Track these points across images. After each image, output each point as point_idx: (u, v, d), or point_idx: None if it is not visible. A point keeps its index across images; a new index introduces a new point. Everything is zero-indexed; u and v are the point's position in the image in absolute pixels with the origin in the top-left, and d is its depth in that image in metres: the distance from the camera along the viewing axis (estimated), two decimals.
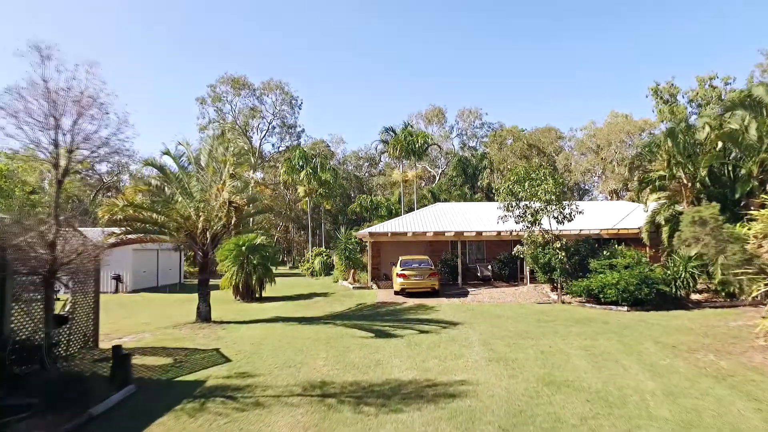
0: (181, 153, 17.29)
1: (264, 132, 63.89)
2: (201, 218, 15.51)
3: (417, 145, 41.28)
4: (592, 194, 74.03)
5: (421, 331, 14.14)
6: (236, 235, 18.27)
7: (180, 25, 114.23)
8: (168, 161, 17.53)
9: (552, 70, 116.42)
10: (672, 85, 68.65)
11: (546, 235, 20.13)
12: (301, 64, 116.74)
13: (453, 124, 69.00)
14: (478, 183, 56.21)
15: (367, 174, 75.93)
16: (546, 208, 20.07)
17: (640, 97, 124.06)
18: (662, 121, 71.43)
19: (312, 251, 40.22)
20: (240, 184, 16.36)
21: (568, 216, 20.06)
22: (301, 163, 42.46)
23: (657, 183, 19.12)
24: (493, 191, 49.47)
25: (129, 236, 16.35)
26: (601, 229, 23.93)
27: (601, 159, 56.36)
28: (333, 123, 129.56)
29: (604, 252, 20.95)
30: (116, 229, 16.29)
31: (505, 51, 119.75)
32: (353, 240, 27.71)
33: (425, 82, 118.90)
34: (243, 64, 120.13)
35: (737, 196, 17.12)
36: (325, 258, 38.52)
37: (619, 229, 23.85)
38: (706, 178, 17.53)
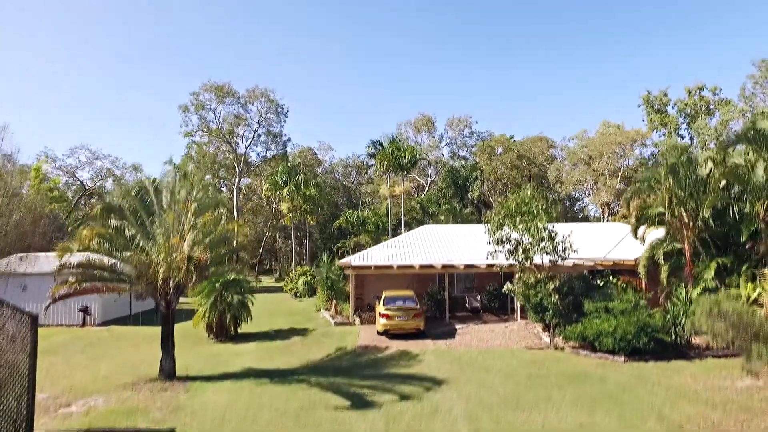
0: (143, 191, 15.93)
1: (249, 140, 62.20)
2: (162, 268, 14.11)
3: (405, 160, 40.01)
4: (583, 202, 73.17)
5: (402, 396, 12.87)
6: (203, 280, 16.92)
7: (165, 30, 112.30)
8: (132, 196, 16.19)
9: (544, 79, 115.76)
10: (664, 94, 68.06)
11: (538, 274, 18.95)
12: (289, 71, 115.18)
13: (442, 132, 67.82)
14: (469, 195, 55.03)
15: (355, 182, 74.53)
16: (538, 245, 18.92)
17: (632, 106, 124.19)
18: (653, 130, 70.98)
19: (295, 270, 38.81)
20: (207, 228, 14.91)
21: (561, 254, 18.95)
22: (284, 179, 40.95)
23: (656, 219, 18.03)
24: (483, 213, 48.53)
25: (84, 285, 14.95)
26: (595, 261, 22.83)
27: (593, 170, 55.43)
28: (321, 130, 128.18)
29: (599, 282, 19.96)
30: (70, 276, 14.90)
31: (495, 58, 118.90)
32: (335, 268, 26.38)
33: (415, 90, 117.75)
34: (230, 72, 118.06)
35: (743, 239, 16.06)
36: (309, 278, 37.17)
37: (614, 261, 22.77)
38: (710, 220, 16.44)
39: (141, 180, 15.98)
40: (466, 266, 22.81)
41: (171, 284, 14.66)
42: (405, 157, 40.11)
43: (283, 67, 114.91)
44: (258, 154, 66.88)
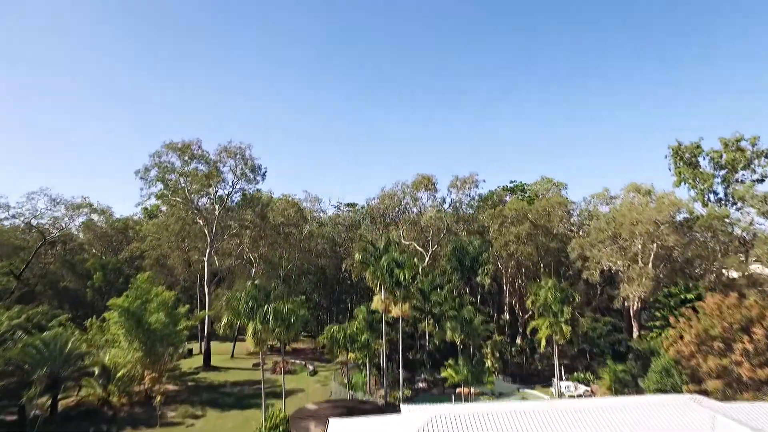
0: None
1: (224, 202, 53.50)
2: None
3: (404, 280, 31.63)
4: (614, 268, 63.57)
5: None
6: None
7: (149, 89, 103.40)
8: None
9: (563, 128, 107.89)
10: (697, 146, 59.88)
11: None
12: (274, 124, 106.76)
13: (445, 195, 58.77)
14: (478, 279, 46.70)
15: (346, 238, 66.00)
16: None
17: (658, 158, 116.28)
18: (681, 183, 62.81)
19: (269, 413, 30.10)
20: None
21: None
22: (249, 305, 31.82)
23: None
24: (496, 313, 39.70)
25: None
26: None
27: (622, 249, 47.19)
28: (310, 180, 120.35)
29: None
30: None
31: (502, 108, 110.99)
32: None
33: (418, 143, 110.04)
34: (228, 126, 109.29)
35: None
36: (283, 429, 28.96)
37: None
38: None
39: None
40: None
41: None
42: (404, 277, 31.67)
43: (270, 120, 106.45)
44: (232, 211, 58.32)
